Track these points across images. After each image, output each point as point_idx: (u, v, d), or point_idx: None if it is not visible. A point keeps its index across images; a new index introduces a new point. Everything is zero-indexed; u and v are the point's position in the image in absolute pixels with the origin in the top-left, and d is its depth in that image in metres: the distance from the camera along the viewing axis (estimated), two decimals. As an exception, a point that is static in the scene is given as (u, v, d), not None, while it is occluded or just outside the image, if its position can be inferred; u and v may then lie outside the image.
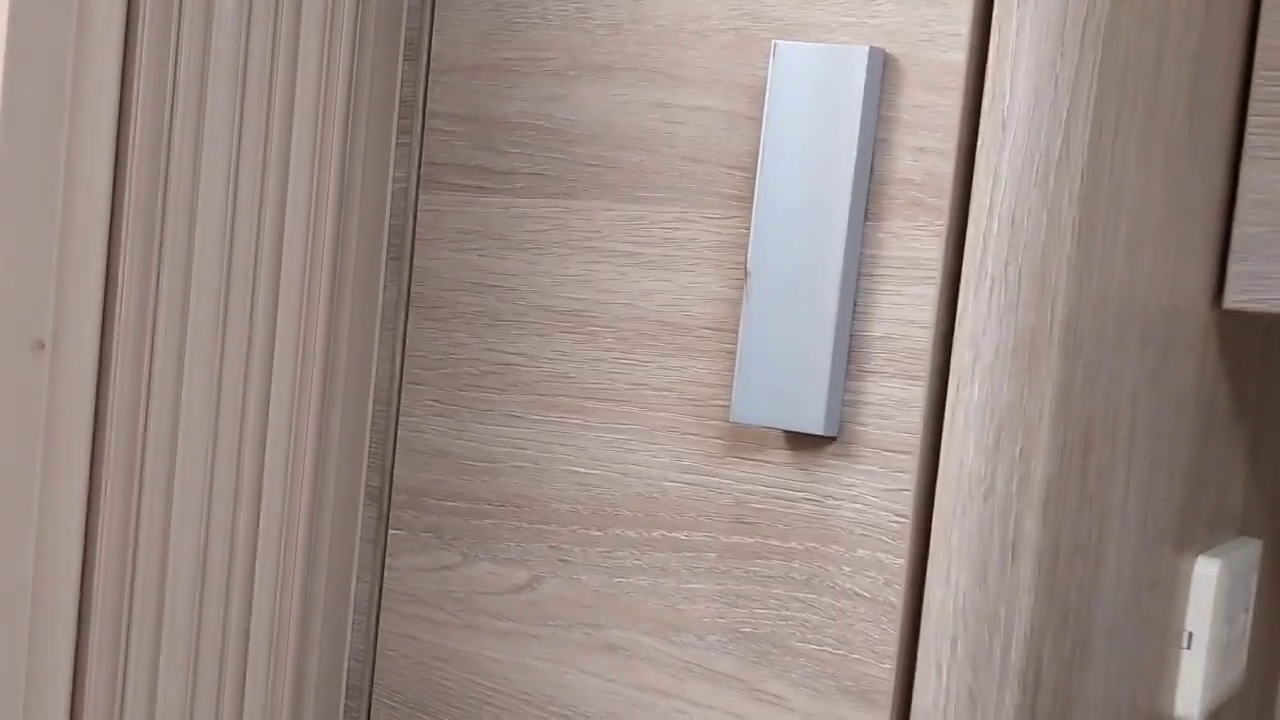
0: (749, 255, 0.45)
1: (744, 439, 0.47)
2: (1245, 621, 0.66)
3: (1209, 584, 0.60)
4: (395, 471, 0.54)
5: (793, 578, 0.46)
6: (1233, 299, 0.57)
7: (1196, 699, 0.61)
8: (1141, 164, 0.48)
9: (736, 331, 0.47)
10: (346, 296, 0.53)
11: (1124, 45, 0.44)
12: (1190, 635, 0.60)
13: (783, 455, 0.46)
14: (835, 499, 0.45)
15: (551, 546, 0.50)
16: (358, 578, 0.55)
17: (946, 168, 0.43)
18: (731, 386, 0.47)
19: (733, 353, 0.47)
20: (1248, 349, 0.64)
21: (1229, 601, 0.62)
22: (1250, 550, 0.65)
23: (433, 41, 0.53)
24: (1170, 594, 0.58)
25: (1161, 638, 0.58)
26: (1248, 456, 0.67)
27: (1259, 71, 0.56)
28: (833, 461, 0.45)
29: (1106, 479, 0.49)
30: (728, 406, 0.47)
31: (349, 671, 0.55)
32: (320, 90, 0.50)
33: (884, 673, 0.44)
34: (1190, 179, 0.53)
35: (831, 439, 0.45)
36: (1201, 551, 0.61)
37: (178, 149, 0.46)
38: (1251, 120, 0.56)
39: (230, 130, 0.47)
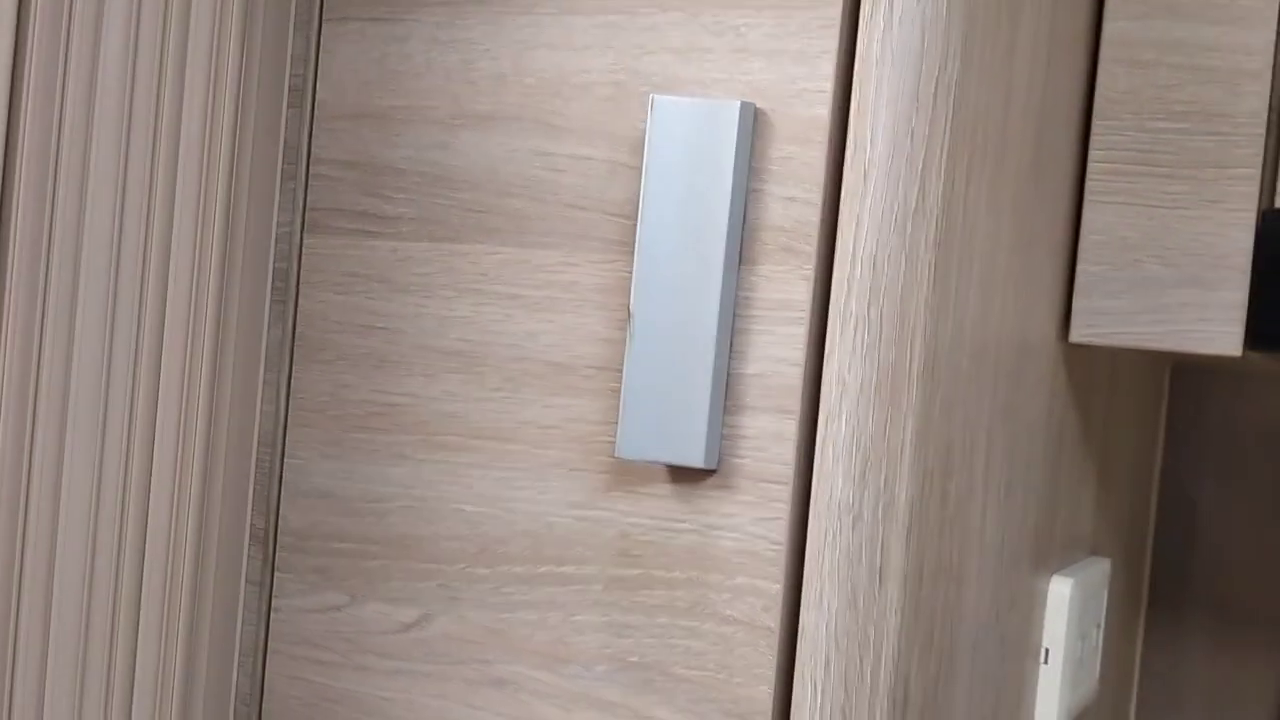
0: (632, 298, 0.47)
1: (628, 474, 0.48)
2: (1097, 637, 0.70)
3: (1063, 602, 0.64)
4: (281, 513, 0.54)
5: (676, 606, 0.48)
6: (1078, 333, 0.61)
7: (1054, 712, 0.64)
8: (991, 210, 0.51)
9: (619, 371, 0.49)
10: (231, 338, 0.53)
11: (972, 102, 0.48)
12: (1047, 651, 0.64)
13: (666, 488, 0.48)
14: (715, 529, 0.47)
15: (440, 585, 0.51)
16: (243, 620, 0.55)
17: (813, 215, 0.46)
18: (615, 424, 0.48)
19: (616, 391, 0.49)
20: (1094, 380, 0.69)
21: (1082, 618, 0.66)
22: (1100, 569, 0.70)
23: (317, 89, 0.54)
24: (1028, 612, 0.62)
25: (1020, 654, 0.61)
26: (1096, 480, 0.71)
27: (1097, 122, 0.60)
28: (713, 493, 0.47)
29: (965, 504, 0.52)
30: (612, 443, 0.49)
31: (235, 716, 0.54)
32: (205, 136, 0.51)
33: (763, 695, 0.47)
34: (1037, 223, 0.57)
35: (711, 471, 0.47)
36: (1056, 571, 0.65)
37: (62, 193, 0.46)
38: (1091, 167, 0.60)
39: (115, 174, 0.48)
